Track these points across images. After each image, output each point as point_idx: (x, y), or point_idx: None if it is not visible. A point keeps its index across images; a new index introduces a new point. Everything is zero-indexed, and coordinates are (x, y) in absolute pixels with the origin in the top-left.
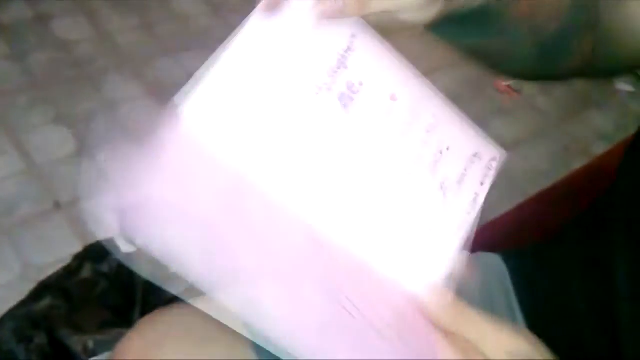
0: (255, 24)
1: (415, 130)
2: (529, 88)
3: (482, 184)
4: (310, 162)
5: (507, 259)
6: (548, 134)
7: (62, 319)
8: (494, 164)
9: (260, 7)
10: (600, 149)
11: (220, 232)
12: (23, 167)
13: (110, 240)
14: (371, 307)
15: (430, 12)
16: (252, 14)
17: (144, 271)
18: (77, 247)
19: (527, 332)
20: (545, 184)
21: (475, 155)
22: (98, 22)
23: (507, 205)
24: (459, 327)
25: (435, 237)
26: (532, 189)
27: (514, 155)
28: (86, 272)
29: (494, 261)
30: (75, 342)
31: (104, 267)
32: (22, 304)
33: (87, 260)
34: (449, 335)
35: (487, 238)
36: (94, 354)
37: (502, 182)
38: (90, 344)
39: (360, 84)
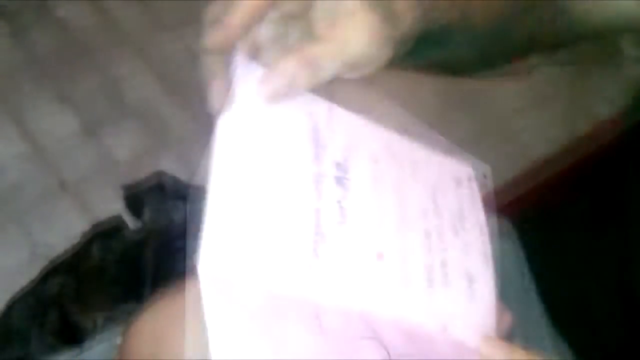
0: (223, 137)
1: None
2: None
3: (475, 207)
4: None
5: (515, 223)
6: (552, 99)
7: (71, 298)
8: (473, 182)
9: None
10: (605, 113)
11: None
12: (27, 148)
13: (118, 217)
14: None
15: (385, 54)
16: (217, 126)
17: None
18: (84, 226)
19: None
20: (551, 149)
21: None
22: None
23: (512, 172)
24: None
25: (467, 286)
26: (538, 155)
27: (520, 121)
28: (95, 249)
29: (504, 226)
30: (85, 319)
31: (113, 244)
32: (32, 284)
33: (95, 238)
34: None
35: (495, 204)
36: (104, 330)
37: (508, 148)
38: (100, 321)
39: (346, 160)
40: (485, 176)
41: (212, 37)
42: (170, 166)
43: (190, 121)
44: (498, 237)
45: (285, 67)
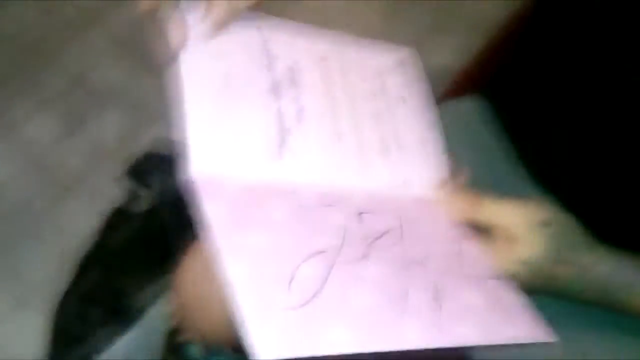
0: (188, 63)
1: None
2: None
3: (418, 82)
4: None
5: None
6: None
7: (112, 283)
8: (413, 61)
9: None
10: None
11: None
12: (21, 162)
13: (126, 199)
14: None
15: None
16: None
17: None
18: (97, 221)
19: (539, 200)
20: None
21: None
22: None
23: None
24: (478, 214)
25: (418, 148)
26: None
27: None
28: (116, 234)
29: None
30: (134, 299)
31: (130, 222)
32: (69, 285)
33: (112, 222)
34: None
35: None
36: (151, 305)
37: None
38: (149, 295)
39: (296, 62)
40: (411, 58)
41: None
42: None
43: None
44: (472, 110)
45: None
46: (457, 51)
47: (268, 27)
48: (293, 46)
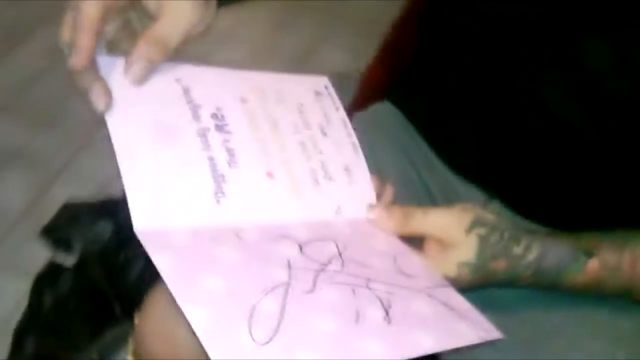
0: (115, 124)
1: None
2: None
3: (337, 109)
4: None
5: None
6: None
7: (50, 354)
8: (330, 89)
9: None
10: None
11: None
12: None
13: (52, 261)
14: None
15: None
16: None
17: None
18: (24, 283)
19: (464, 203)
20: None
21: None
22: None
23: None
24: (409, 228)
25: (346, 175)
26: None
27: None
28: (48, 299)
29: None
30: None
31: (62, 287)
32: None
33: (39, 288)
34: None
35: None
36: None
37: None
38: (95, 356)
39: (219, 109)
40: (326, 87)
41: (74, 61)
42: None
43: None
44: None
45: (139, 51)
46: (347, 57)
47: (186, 76)
48: (213, 92)
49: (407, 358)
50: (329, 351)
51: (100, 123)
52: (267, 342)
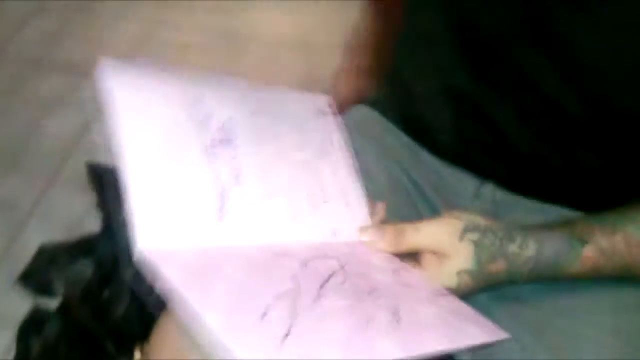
0: (122, 139)
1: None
2: None
3: (337, 129)
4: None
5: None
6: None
7: None
8: (333, 108)
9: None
10: None
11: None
12: None
13: (36, 305)
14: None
15: None
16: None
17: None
18: (7, 333)
19: (452, 212)
20: None
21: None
22: None
23: None
24: (406, 245)
25: (342, 197)
26: None
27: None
28: (36, 346)
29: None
30: None
31: (49, 332)
32: None
33: (28, 336)
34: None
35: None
36: None
37: None
38: None
39: (229, 119)
40: (329, 105)
41: None
42: (35, 234)
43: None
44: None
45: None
46: (309, 61)
47: (197, 84)
48: (225, 101)
49: (421, 356)
50: (344, 351)
51: (63, 160)
52: (280, 343)
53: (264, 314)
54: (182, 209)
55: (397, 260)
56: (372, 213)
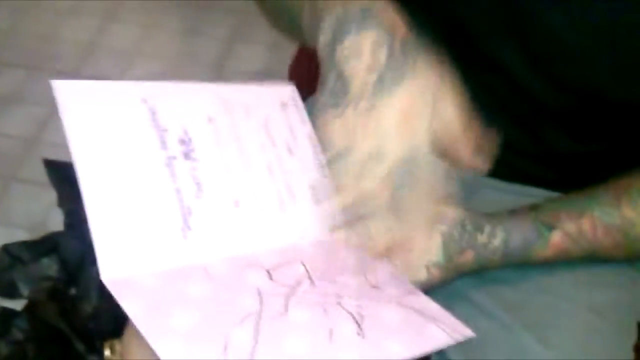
0: (78, 156)
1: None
2: None
3: (302, 122)
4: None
5: None
6: None
7: None
8: (296, 100)
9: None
10: None
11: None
12: None
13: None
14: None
15: None
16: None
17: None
18: None
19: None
20: None
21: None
22: None
23: None
24: (371, 242)
25: (311, 194)
26: None
27: None
28: (3, 348)
29: None
30: None
31: (16, 334)
32: None
33: None
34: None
35: None
36: None
37: None
38: None
39: (186, 132)
40: (293, 97)
41: None
42: None
43: None
44: None
45: None
46: (267, 55)
47: (152, 96)
48: (180, 112)
49: None
50: None
51: (24, 157)
52: None
53: (225, 346)
54: (145, 232)
55: (365, 257)
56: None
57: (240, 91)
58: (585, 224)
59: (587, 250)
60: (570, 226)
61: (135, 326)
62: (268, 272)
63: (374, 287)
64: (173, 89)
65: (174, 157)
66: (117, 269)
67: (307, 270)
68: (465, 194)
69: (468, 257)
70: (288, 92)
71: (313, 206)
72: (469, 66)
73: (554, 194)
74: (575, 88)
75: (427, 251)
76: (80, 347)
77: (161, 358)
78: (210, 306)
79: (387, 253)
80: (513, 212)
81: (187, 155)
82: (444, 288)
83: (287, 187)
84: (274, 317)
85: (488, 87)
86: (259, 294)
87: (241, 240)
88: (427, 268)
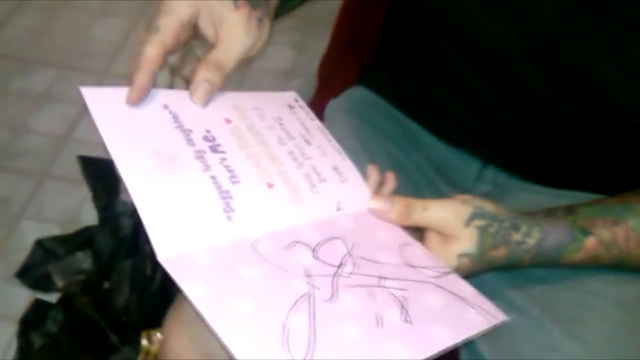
0: (119, 157)
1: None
2: None
3: (311, 119)
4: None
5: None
6: None
7: None
8: (300, 102)
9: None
10: None
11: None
12: None
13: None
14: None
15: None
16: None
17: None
18: (9, 329)
19: (463, 196)
20: None
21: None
22: None
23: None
24: (413, 220)
25: (336, 174)
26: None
27: None
28: (39, 340)
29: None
30: None
31: (50, 325)
32: None
33: (31, 330)
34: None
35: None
36: None
37: None
38: None
39: (208, 131)
40: (297, 100)
41: (129, 97)
42: (30, 230)
43: None
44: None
45: (200, 76)
46: (291, 54)
47: (172, 102)
48: (199, 115)
49: (430, 356)
50: (358, 357)
51: (56, 154)
52: (305, 357)
53: (284, 331)
54: (190, 214)
55: (402, 233)
56: (381, 183)
57: (249, 98)
58: (620, 233)
59: (617, 258)
60: (604, 233)
61: (194, 309)
62: (313, 250)
63: (411, 266)
64: (188, 96)
65: (204, 151)
66: (171, 247)
67: (347, 248)
68: (499, 194)
69: (500, 253)
70: (292, 96)
71: (341, 184)
72: (497, 83)
73: (588, 195)
74: (595, 108)
75: (463, 242)
76: (114, 338)
77: (227, 344)
78: (264, 288)
79: (422, 232)
80: (550, 213)
81: (214, 149)
82: (475, 281)
83: (313, 170)
84: (324, 301)
85: (514, 102)
86: (307, 274)
87: (281, 217)
88: (460, 257)
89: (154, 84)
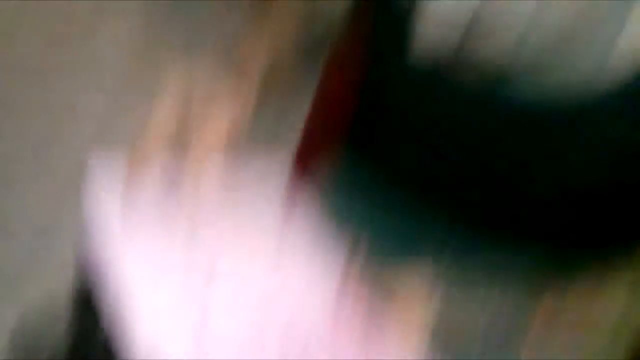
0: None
1: None
2: None
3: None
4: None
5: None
6: None
7: None
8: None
9: None
10: None
11: None
12: None
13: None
14: None
15: None
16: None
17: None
18: None
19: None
20: None
21: None
22: None
23: None
24: (380, 288)
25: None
26: None
27: None
28: None
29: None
30: None
31: None
32: None
33: None
34: None
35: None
36: None
37: None
38: None
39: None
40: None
41: None
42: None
43: None
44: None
45: None
46: None
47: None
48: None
49: None
50: None
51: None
52: None
53: None
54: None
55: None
56: (353, 253)
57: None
58: None
59: None
60: None
61: None
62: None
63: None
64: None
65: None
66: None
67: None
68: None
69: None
70: (284, 158)
71: (310, 277)
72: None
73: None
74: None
75: (427, 309)
76: None
77: None
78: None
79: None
80: None
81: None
82: None
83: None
84: None
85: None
86: None
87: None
88: (423, 327)
89: None
